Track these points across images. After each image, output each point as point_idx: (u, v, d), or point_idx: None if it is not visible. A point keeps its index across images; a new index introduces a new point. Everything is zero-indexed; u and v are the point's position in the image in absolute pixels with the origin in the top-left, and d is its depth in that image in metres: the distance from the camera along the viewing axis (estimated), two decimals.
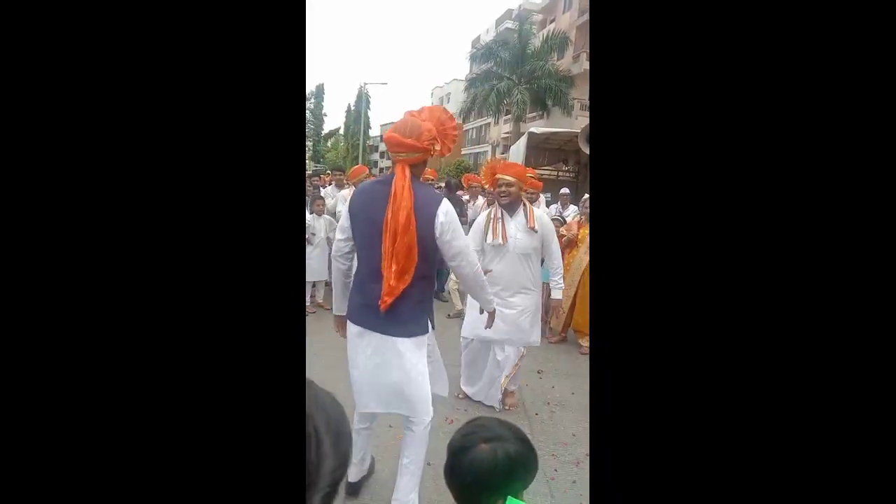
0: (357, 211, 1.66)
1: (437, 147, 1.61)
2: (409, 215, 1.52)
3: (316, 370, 3.13)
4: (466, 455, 0.77)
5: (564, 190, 6.13)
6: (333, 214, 4.73)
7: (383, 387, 1.70)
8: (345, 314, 1.81)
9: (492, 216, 2.65)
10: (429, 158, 1.64)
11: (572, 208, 5.72)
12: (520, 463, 0.77)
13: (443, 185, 5.36)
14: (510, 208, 2.64)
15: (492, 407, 2.80)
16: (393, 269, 1.54)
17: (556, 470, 2.19)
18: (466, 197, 5.70)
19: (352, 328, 1.73)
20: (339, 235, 1.77)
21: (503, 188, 2.61)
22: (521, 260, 2.62)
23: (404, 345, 1.65)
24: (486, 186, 2.76)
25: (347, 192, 4.70)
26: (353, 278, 1.79)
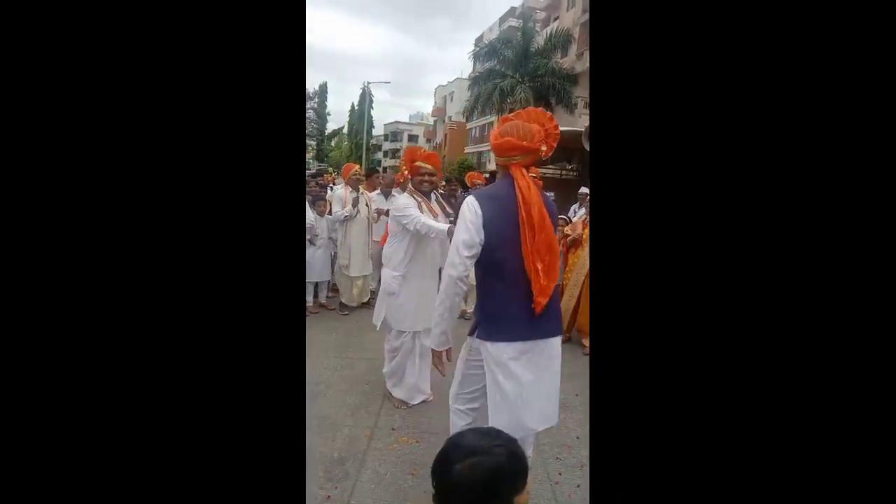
0: (493, 218, 1.53)
1: (545, 147, 1.58)
2: (542, 211, 1.51)
3: (317, 370, 3.12)
4: (445, 479, 0.75)
5: (583, 189, 6.08)
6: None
7: (548, 397, 1.62)
8: (449, 345, 1.70)
9: (419, 200, 2.68)
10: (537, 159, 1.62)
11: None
12: (499, 473, 0.75)
13: (444, 182, 5.32)
14: (430, 196, 2.76)
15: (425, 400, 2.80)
16: (540, 268, 1.49)
17: (560, 473, 2.16)
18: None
19: (508, 349, 1.56)
20: (465, 252, 1.53)
21: (426, 177, 2.69)
22: (440, 244, 2.70)
23: (558, 342, 1.65)
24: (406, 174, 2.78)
25: (342, 191, 4.58)
26: (489, 298, 1.61)
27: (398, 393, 2.78)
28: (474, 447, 0.76)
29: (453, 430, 1.75)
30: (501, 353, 1.56)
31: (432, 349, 1.72)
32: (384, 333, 3.49)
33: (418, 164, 2.70)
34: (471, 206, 1.55)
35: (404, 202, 2.67)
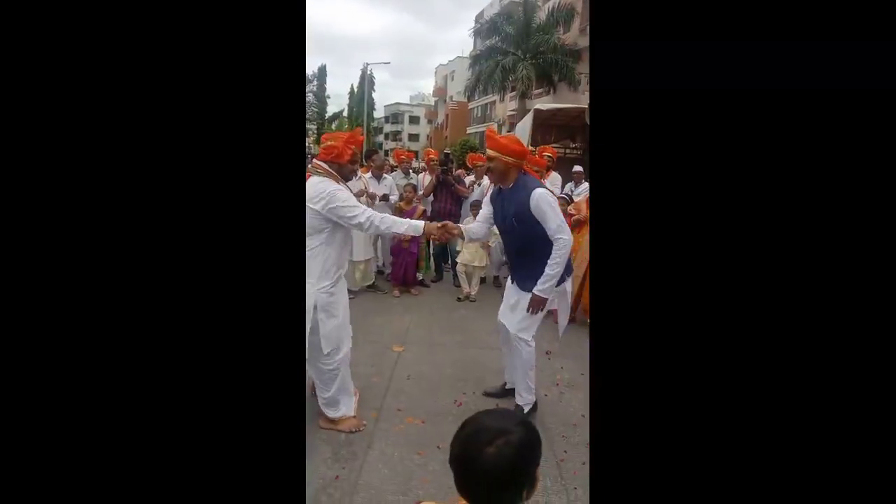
0: None
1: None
2: None
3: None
4: (474, 465, 0.74)
5: (577, 168, 6.01)
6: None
7: None
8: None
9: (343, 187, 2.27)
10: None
11: (585, 185, 5.65)
12: (526, 448, 0.75)
13: (440, 164, 5.24)
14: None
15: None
16: None
17: (565, 451, 2.18)
18: (471, 178, 5.61)
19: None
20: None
21: (355, 167, 2.38)
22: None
23: None
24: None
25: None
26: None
27: (345, 410, 2.31)
28: (500, 428, 0.76)
29: (528, 357, 2.35)
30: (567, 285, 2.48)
31: (543, 298, 2.27)
32: (389, 316, 3.42)
33: (355, 149, 2.25)
34: (550, 196, 2.26)
35: (335, 188, 2.11)
